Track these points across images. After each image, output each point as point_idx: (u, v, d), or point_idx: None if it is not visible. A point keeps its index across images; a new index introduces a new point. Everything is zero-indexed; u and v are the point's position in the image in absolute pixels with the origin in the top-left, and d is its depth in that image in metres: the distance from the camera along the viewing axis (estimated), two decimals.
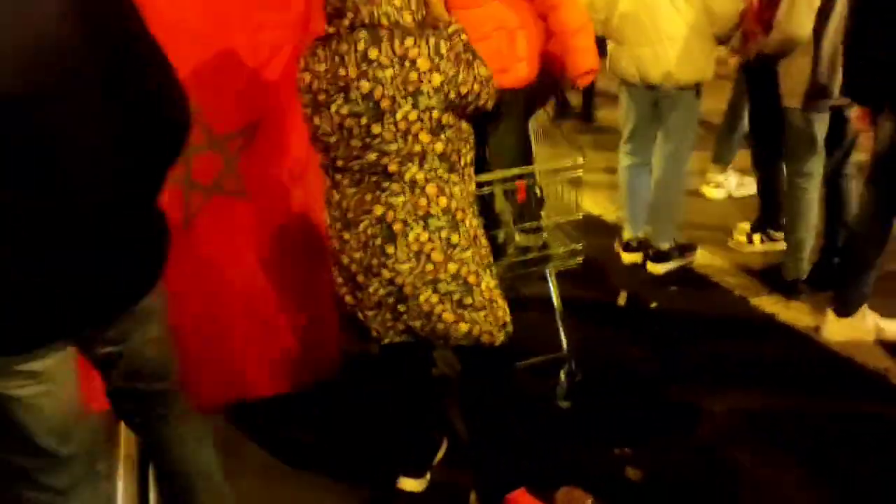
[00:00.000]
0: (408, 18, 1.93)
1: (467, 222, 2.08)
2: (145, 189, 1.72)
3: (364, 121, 1.93)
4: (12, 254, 1.47)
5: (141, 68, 1.62)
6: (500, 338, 2.13)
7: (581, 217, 3.57)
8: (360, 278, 2.08)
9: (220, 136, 2.51)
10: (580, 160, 3.56)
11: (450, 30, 1.95)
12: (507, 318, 2.16)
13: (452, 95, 1.93)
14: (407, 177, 1.97)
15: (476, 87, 1.97)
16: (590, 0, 3.48)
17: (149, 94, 1.64)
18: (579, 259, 3.74)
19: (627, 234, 3.97)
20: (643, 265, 3.91)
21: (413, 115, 1.91)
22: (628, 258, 3.96)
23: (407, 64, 1.89)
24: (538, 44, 3.05)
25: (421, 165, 1.97)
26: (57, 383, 1.61)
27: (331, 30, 1.98)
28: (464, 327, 2.06)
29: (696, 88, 3.55)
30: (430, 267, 2.01)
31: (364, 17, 1.91)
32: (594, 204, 4.64)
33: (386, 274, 2.03)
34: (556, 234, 3.07)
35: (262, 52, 2.49)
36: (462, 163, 2.06)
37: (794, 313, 3.42)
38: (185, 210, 2.51)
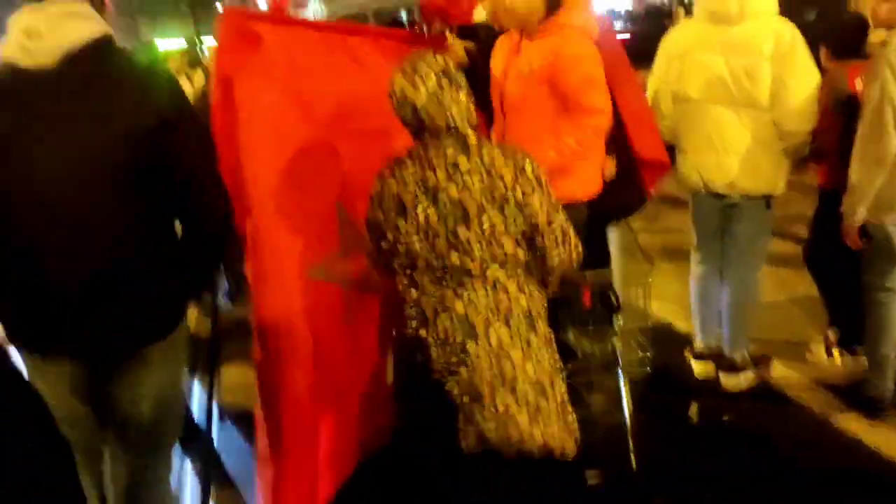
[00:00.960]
0: (465, 126, 2.06)
1: (543, 325, 2.10)
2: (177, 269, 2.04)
3: (450, 223, 2.00)
4: (41, 286, 1.91)
5: (191, 194, 1.97)
6: (571, 448, 2.09)
7: (650, 325, 3.53)
8: (437, 377, 2.10)
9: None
10: (649, 267, 3.56)
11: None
12: (576, 427, 2.12)
13: (528, 212, 2.01)
14: (489, 275, 2.02)
15: (556, 223, 2.07)
16: (656, 106, 3.53)
17: (194, 210, 2.00)
18: (648, 368, 3.69)
19: (699, 344, 3.88)
20: (716, 377, 3.78)
21: (499, 222, 1.99)
22: (700, 369, 3.85)
23: (493, 174, 1.99)
24: (600, 157, 3.09)
25: (503, 267, 2.02)
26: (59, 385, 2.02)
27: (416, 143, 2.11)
28: (537, 434, 2.04)
29: (766, 200, 3.47)
30: (508, 366, 2.02)
31: (441, 126, 2.03)
32: (664, 311, 4.57)
33: (464, 372, 2.03)
34: (625, 342, 3.03)
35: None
36: (540, 269, 2.10)
37: (878, 435, 3.23)
38: (346, 306, 2.65)
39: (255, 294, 2.48)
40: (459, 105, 2.04)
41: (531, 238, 2.06)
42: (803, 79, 3.20)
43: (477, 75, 3.20)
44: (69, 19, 1.87)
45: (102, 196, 1.88)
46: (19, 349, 2.07)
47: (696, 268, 3.83)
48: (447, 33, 3.35)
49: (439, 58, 2.08)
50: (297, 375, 2.50)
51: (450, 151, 2.02)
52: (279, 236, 2.50)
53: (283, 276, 2.51)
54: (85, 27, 1.89)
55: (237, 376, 3.28)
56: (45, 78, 1.84)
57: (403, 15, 33.75)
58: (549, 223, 2.05)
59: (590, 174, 3.13)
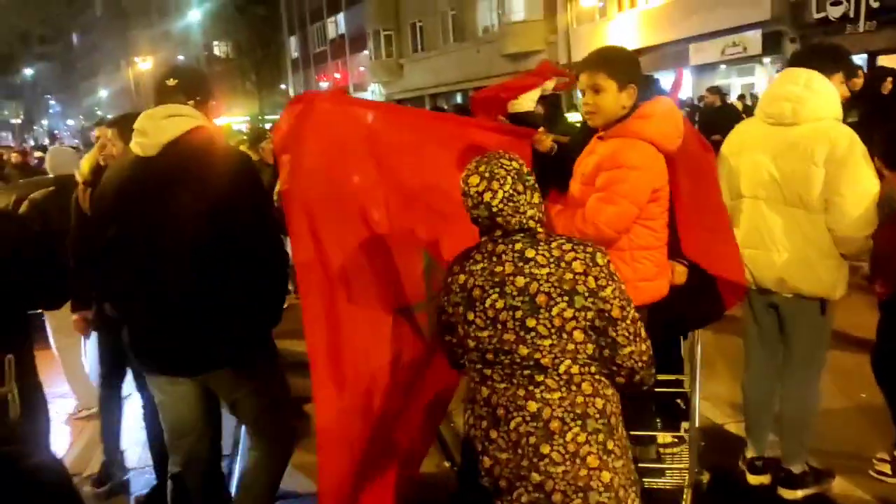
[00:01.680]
0: (536, 224, 2.09)
1: (620, 430, 2.02)
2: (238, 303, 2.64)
3: (519, 314, 1.98)
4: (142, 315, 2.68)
5: (248, 247, 2.61)
6: None
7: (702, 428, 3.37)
8: (504, 483, 2.01)
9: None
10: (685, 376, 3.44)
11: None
12: None
13: (599, 303, 1.96)
14: (562, 370, 1.97)
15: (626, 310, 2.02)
16: None
17: (252, 260, 2.61)
18: (703, 476, 3.51)
19: (752, 452, 3.68)
20: (772, 488, 3.57)
21: (568, 313, 1.95)
22: (755, 480, 3.64)
23: (563, 265, 1.97)
24: (657, 264, 2.99)
25: (575, 362, 1.98)
26: (174, 397, 2.80)
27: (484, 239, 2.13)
28: None
29: (821, 303, 3.30)
30: (584, 472, 1.94)
31: (514, 226, 2.06)
32: (716, 412, 4.39)
33: (535, 477, 1.96)
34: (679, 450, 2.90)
35: None
36: (610, 366, 2.02)
37: None
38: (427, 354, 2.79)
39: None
40: (533, 207, 2.07)
41: (602, 331, 1.98)
42: (859, 187, 3.10)
43: (565, 166, 3.21)
44: (168, 119, 2.64)
45: (201, 246, 2.53)
46: (149, 372, 2.83)
47: (748, 371, 3.68)
48: (541, 128, 3.38)
49: (514, 161, 2.10)
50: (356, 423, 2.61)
51: (518, 246, 2.03)
52: (357, 290, 2.68)
53: (360, 324, 2.66)
54: (180, 123, 2.64)
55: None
56: (154, 163, 2.60)
57: (459, 98, 34.80)
58: (622, 317, 1.98)
59: (646, 279, 2.97)
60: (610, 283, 1.98)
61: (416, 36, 36.02)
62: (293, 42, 52.61)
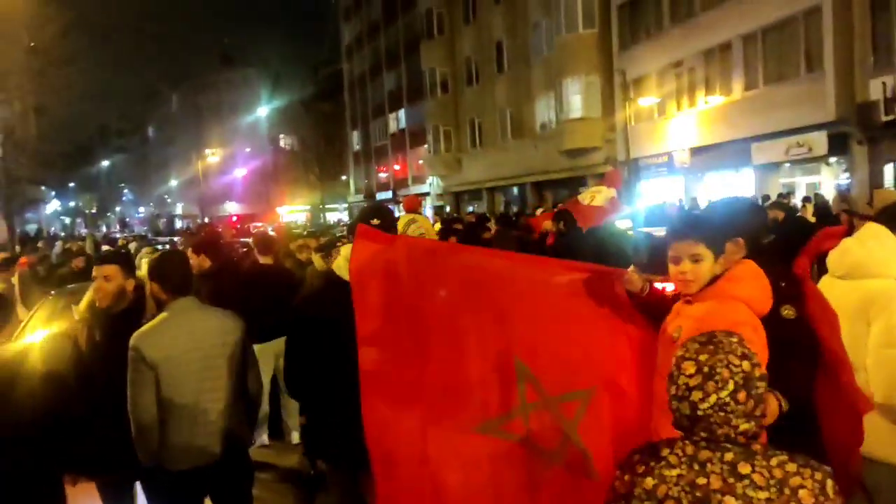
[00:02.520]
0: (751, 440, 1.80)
1: None
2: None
3: None
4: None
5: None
6: None
7: None
8: None
9: (553, 397, 2.81)
10: None
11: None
12: None
13: None
14: None
15: None
16: None
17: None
18: None
19: None
20: None
21: None
22: None
23: (787, 492, 1.67)
24: None
25: None
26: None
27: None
28: None
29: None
30: None
31: (719, 436, 1.78)
32: None
33: None
34: None
35: (601, 330, 2.96)
36: None
37: None
38: (528, 474, 2.77)
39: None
40: (750, 420, 1.77)
41: None
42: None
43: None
44: None
45: None
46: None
47: None
48: (632, 267, 3.23)
49: (746, 360, 1.81)
50: None
51: (729, 456, 1.73)
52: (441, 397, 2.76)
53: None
54: None
55: None
56: None
57: (515, 191, 35.05)
58: None
59: None
60: None
61: (475, 132, 36.75)
62: (355, 136, 54.38)
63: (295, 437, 6.28)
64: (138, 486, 3.77)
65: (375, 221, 3.33)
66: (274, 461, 6.02)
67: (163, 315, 3.47)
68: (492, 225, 10.56)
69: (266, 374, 5.89)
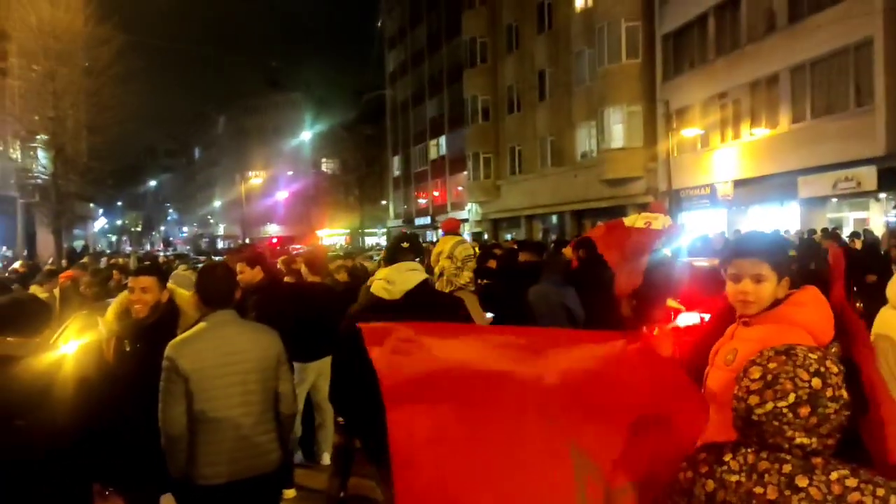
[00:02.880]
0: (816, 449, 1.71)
1: None
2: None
3: None
4: None
5: None
6: None
7: None
8: None
9: (615, 489, 2.44)
10: None
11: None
12: None
13: None
14: None
15: None
16: None
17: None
18: None
19: None
20: None
21: None
22: None
23: None
24: None
25: None
26: None
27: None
28: None
29: None
30: None
31: (770, 445, 1.74)
32: None
33: None
34: None
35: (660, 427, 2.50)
36: None
37: None
38: None
39: None
40: (811, 435, 1.70)
41: None
42: None
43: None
44: (408, 272, 3.54)
45: None
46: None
47: None
48: (656, 330, 3.08)
49: (817, 377, 1.73)
50: None
51: (787, 468, 1.68)
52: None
53: None
54: (416, 276, 3.55)
55: None
56: (396, 305, 3.42)
57: (554, 219, 34.86)
58: None
59: None
60: None
61: (515, 159, 36.79)
62: (396, 161, 54.88)
63: (326, 458, 6.23)
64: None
65: (405, 245, 3.65)
66: (303, 482, 5.96)
67: (200, 326, 3.48)
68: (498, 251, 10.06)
69: (302, 394, 5.88)
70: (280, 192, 63.52)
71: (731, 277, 2.67)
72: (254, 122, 72.71)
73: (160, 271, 4.13)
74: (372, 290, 3.58)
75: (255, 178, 61.47)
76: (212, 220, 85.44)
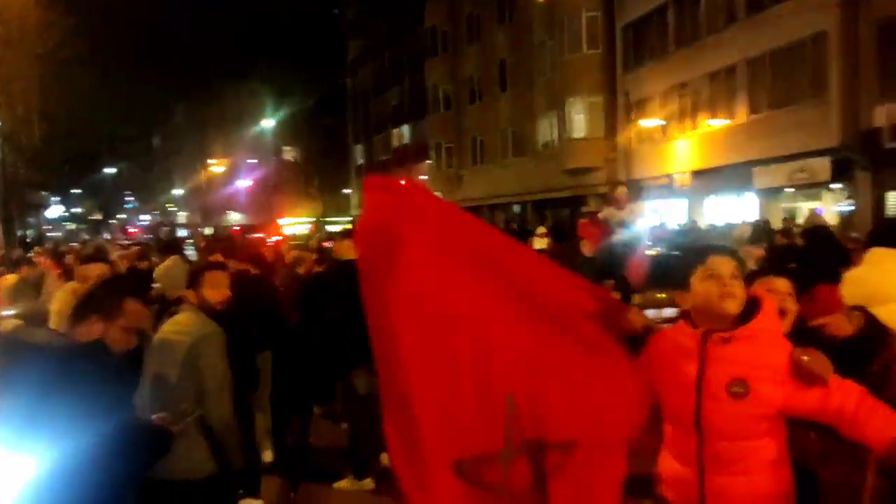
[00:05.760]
0: None
1: None
2: None
3: None
4: None
5: None
6: None
7: None
8: None
9: (533, 441, 2.50)
10: None
11: None
12: None
13: None
14: None
15: None
16: None
17: None
18: None
19: None
20: None
21: None
22: None
23: None
24: None
25: None
26: None
27: None
28: None
29: None
30: None
31: None
32: None
33: None
34: None
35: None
36: None
37: None
38: None
39: None
40: None
41: None
42: None
43: None
44: None
45: None
46: None
47: None
48: (633, 307, 3.02)
49: None
50: None
51: None
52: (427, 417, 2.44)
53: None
54: None
55: None
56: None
57: (516, 209, 34.90)
58: None
59: None
60: None
61: (476, 149, 36.69)
62: (358, 150, 54.40)
63: (268, 455, 6.07)
64: None
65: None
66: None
67: None
68: None
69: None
70: (241, 181, 62.60)
71: (713, 276, 2.51)
72: (214, 110, 71.44)
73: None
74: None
75: (217, 167, 60.48)
76: (173, 209, 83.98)
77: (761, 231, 13.12)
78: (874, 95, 17.19)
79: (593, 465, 2.54)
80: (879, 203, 17.33)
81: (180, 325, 3.51)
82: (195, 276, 3.84)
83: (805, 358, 2.40)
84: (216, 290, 3.74)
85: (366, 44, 51.33)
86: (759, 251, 4.95)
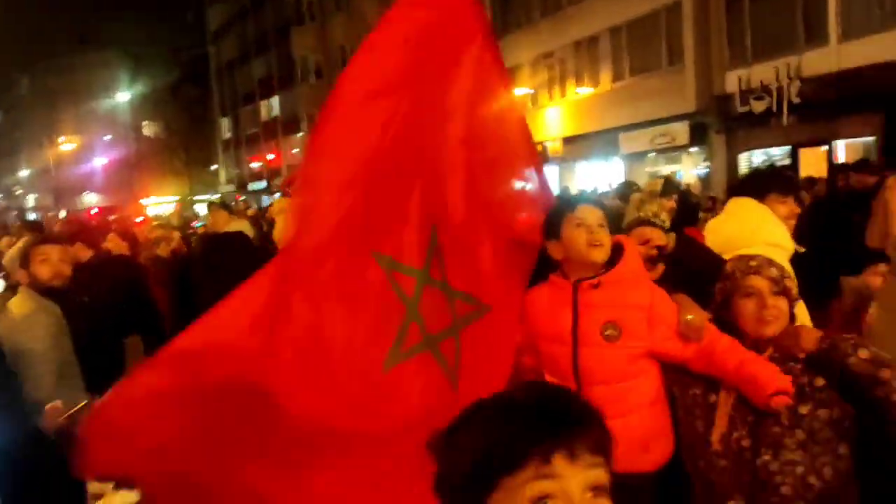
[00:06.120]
0: None
1: None
2: None
3: None
4: None
5: None
6: None
7: None
8: None
9: (454, 288, 2.51)
10: None
11: None
12: None
13: None
14: None
15: None
16: None
17: None
18: None
19: None
20: None
21: None
22: None
23: None
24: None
25: None
26: None
27: None
28: None
29: None
30: None
31: None
32: None
33: None
34: None
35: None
36: None
37: None
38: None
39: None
40: None
41: None
42: None
43: None
44: None
45: None
46: None
47: None
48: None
49: None
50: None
51: None
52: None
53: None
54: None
55: None
56: None
57: None
58: None
59: None
60: None
61: None
62: (225, 123, 52.26)
63: None
64: None
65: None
66: None
67: None
68: None
69: None
70: (97, 159, 58.77)
71: (583, 226, 2.61)
72: (62, 83, 66.44)
73: None
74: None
75: (67, 144, 56.39)
76: (20, 192, 77.85)
77: (671, 185, 13.71)
78: (725, 62, 18.23)
79: (496, 334, 2.64)
80: (732, 164, 18.49)
81: (8, 309, 3.27)
82: (24, 253, 3.55)
83: (689, 317, 2.52)
84: (46, 266, 3.46)
85: (228, 12, 49.15)
86: (671, 203, 5.18)
